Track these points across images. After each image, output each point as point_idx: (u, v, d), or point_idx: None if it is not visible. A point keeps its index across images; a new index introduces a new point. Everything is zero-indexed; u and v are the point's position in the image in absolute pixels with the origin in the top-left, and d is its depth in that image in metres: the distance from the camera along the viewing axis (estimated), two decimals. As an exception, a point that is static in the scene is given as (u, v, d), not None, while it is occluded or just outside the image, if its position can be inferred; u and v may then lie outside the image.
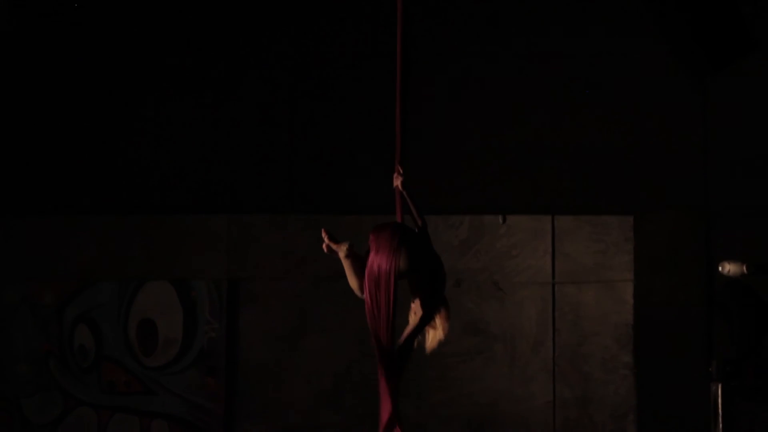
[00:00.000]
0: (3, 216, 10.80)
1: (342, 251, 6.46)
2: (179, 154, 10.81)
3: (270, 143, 10.78)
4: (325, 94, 10.79)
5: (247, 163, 10.78)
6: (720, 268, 10.03)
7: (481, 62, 10.69)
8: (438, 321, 6.53)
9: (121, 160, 10.84)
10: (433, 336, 6.55)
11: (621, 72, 10.59)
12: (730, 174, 10.45)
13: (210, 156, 10.81)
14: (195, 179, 10.81)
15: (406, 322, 6.50)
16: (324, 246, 6.52)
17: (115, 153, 10.84)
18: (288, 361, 10.54)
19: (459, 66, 10.70)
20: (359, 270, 6.46)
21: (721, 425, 9.42)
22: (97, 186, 10.83)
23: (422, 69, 10.31)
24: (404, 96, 6.83)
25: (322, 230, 6.54)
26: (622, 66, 10.59)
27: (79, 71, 10.86)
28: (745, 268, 9.92)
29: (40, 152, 10.85)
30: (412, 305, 6.50)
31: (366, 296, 6.41)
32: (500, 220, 10.62)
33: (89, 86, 10.86)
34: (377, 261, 6.38)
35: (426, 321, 6.48)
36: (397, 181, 6.72)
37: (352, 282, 6.50)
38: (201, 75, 10.85)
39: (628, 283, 10.47)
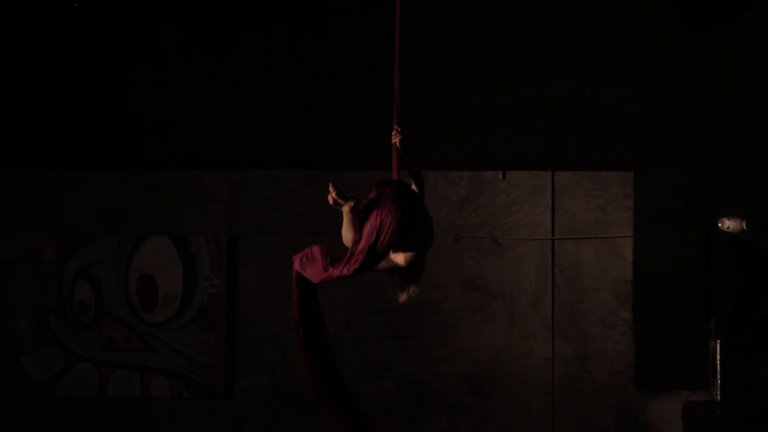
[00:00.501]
0: (3, 171, 10.78)
1: (347, 206, 6.53)
2: (179, 109, 10.78)
3: (269, 98, 10.74)
4: (324, 49, 10.74)
5: (246, 118, 10.74)
6: (720, 224, 10.03)
7: (482, 17, 10.63)
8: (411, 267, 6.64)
9: (121, 116, 10.80)
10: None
11: (621, 26, 10.53)
12: (731, 130, 10.41)
13: (210, 111, 10.77)
14: (195, 134, 10.78)
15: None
16: (330, 198, 6.58)
17: (116, 108, 10.80)
18: (288, 317, 10.43)
19: (459, 21, 10.63)
20: (357, 226, 6.56)
21: (719, 381, 9.44)
22: (97, 141, 10.80)
23: (423, 23, 10.28)
24: (403, 55, 6.85)
25: (330, 184, 6.60)
26: (623, 20, 10.52)
27: (79, 26, 10.80)
28: (744, 224, 9.92)
29: (40, 107, 10.81)
30: (393, 256, 6.61)
31: (359, 247, 6.46)
32: (500, 176, 10.59)
33: (90, 40, 10.81)
34: (380, 218, 6.45)
35: (397, 270, 6.62)
36: (396, 139, 6.79)
37: (347, 235, 6.61)
38: (200, 31, 10.79)
39: (627, 239, 10.46)
